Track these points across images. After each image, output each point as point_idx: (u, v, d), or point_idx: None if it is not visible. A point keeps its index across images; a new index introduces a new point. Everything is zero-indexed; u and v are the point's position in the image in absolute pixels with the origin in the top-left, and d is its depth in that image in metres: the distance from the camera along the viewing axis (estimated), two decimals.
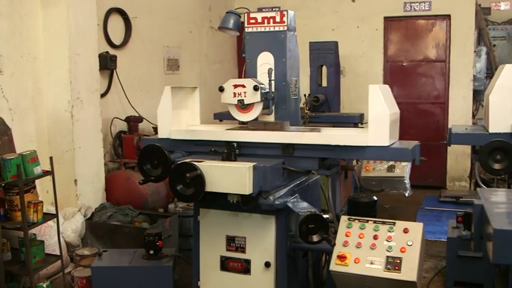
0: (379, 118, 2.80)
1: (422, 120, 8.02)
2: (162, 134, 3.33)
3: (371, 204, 3.72)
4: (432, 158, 7.79)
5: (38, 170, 3.73)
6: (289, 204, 2.93)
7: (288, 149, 3.01)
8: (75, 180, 4.90)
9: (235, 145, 2.99)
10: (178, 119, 3.36)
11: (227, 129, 3.25)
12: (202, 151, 3.16)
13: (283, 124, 3.21)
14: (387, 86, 3.11)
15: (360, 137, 2.86)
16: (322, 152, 2.97)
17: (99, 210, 4.90)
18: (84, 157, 4.98)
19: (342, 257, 2.92)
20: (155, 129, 5.26)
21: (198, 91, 3.54)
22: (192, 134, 3.26)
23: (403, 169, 5.98)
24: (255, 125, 3.24)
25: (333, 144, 2.91)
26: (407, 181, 5.88)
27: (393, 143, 2.91)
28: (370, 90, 2.83)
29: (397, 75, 8.12)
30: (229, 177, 2.75)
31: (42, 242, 3.88)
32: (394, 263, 2.84)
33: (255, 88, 3.10)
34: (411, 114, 8.07)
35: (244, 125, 3.35)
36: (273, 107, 3.27)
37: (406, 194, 5.94)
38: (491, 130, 3.74)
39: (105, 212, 4.83)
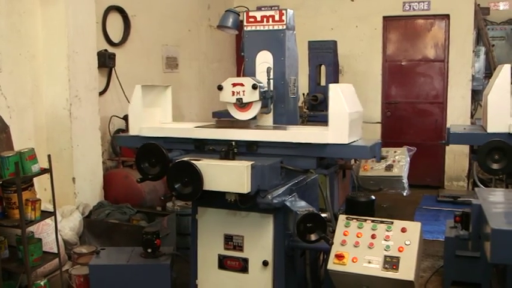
0: (338, 117, 2.85)
1: (421, 120, 8.03)
2: (132, 131, 3.40)
3: (369, 203, 3.72)
4: (430, 157, 7.83)
5: (36, 167, 3.72)
6: (287, 203, 2.93)
7: (252, 146, 3.05)
8: (73, 178, 4.89)
9: (233, 144, 2.99)
10: (152, 117, 3.45)
11: (195, 127, 3.28)
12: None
13: (249, 122, 3.24)
14: (351, 85, 3.15)
15: (320, 135, 2.91)
16: (286, 150, 3.00)
17: (97, 208, 4.89)
18: (82, 155, 4.97)
19: (339, 256, 2.92)
20: None
21: (170, 90, 3.60)
22: (161, 132, 3.31)
23: (401, 168, 5.97)
24: (223, 123, 3.30)
25: (294, 141, 2.96)
26: (405, 180, 5.88)
27: (354, 141, 2.95)
28: (330, 90, 2.89)
29: (395, 74, 8.12)
30: (227, 176, 2.74)
31: (40, 240, 3.87)
32: (391, 262, 2.84)
33: (254, 87, 3.10)
34: (409, 114, 8.08)
35: (212, 124, 3.41)
36: (272, 106, 3.27)
37: (404, 194, 5.94)
38: (489, 130, 3.74)
39: (103, 210, 4.83)
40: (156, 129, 3.34)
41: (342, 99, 2.85)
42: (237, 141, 3.05)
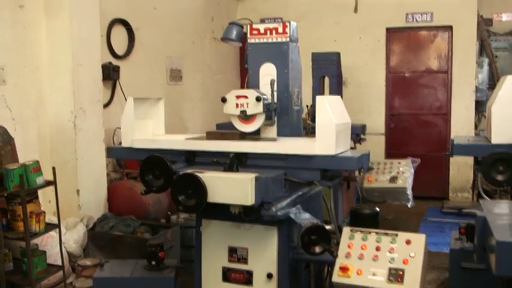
0: (325, 128, 2.88)
1: (425, 131, 8.02)
2: (125, 143, 3.44)
3: (373, 215, 3.70)
4: (434, 169, 7.82)
5: (40, 180, 3.74)
6: (291, 215, 2.93)
7: (241, 158, 3.05)
8: (78, 191, 4.91)
9: (231, 155, 2.99)
10: (144, 129, 3.50)
11: (186, 139, 3.31)
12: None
13: (238, 134, 3.25)
14: (339, 97, 3.22)
15: (307, 146, 2.94)
16: (274, 161, 3.02)
17: (101, 221, 4.90)
18: (87, 167, 4.99)
19: (344, 269, 2.91)
20: None
21: (162, 102, 3.64)
22: (152, 143, 3.35)
23: (406, 180, 5.95)
24: (213, 134, 3.33)
25: (282, 153, 2.98)
26: (409, 192, 5.86)
27: (342, 152, 2.97)
28: (317, 102, 2.92)
29: (399, 86, 8.14)
30: (231, 188, 2.75)
31: (44, 252, 3.88)
32: (396, 275, 2.83)
33: (258, 99, 3.12)
34: (413, 125, 8.09)
35: (203, 135, 3.43)
36: (275, 118, 3.28)
37: (409, 205, 5.91)
38: (493, 141, 3.74)
39: (107, 222, 4.84)
40: (147, 141, 3.38)
41: (328, 110, 2.88)
42: (226, 153, 3.05)
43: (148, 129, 3.55)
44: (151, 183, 3.09)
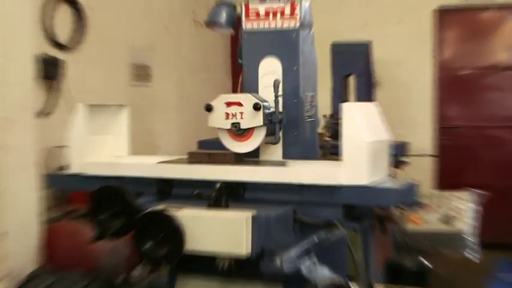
0: (354, 148, 2.87)
1: (492, 151, 8.04)
2: (73, 168, 3.46)
3: (420, 271, 3.70)
4: (507, 205, 7.79)
5: None
6: (303, 270, 2.93)
7: (237, 189, 3.06)
8: (2, 234, 4.89)
9: (218, 184, 2.99)
10: (100, 148, 3.52)
11: (159, 162, 3.31)
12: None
13: (233, 156, 3.26)
14: (373, 104, 3.22)
15: (329, 173, 2.93)
16: (284, 194, 3.00)
17: (33, 277, 4.87)
18: (15, 201, 4.97)
19: None
20: None
21: (126, 111, 3.65)
22: (113, 168, 3.36)
23: (466, 221, 5.96)
24: (197, 156, 3.32)
25: (295, 182, 2.96)
26: (472, 238, 5.86)
27: (377, 181, 2.96)
28: (343, 111, 2.91)
29: (453, 88, 8.19)
30: (219, 232, 2.74)
31: None
32: None
33: (256, 107, 3.13)
34: (475, 143, 8.10)
35: (183, 158, 3.43)
36: (281, 133, 3.29)
37: (472, 257, 5.91)
38: None
39: (42, 280, 4.81)
40: (104, 166, 3.39)
41: (358, 124, 2.88)
42: (215, 182, 3.03)
43: (106, 149, 3.56)
44: (105, 224, 3.08)
